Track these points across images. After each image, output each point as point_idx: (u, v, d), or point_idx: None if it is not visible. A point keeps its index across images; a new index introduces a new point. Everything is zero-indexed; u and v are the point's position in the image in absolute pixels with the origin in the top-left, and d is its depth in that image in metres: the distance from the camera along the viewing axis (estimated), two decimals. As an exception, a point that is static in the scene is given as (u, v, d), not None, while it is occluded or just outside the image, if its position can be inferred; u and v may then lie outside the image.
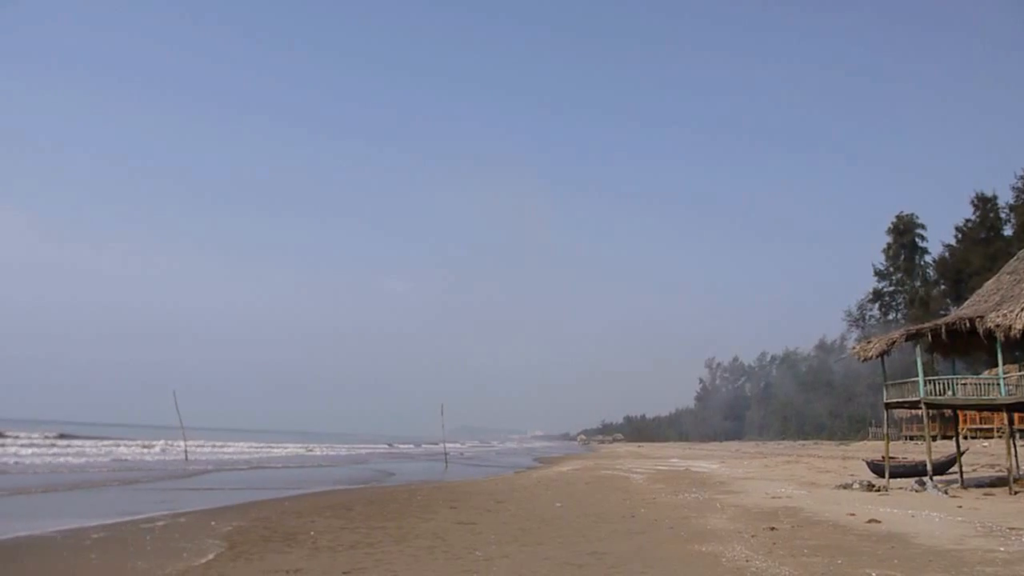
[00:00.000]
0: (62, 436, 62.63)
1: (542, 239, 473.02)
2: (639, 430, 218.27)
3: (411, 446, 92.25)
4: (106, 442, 60.07)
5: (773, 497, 20.95)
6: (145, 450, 53.61)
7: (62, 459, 39.84)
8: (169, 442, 52.82)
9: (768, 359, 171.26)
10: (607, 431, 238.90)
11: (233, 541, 13.08)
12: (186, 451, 48.57)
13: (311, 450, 68.86)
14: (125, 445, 57.17)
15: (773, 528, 14.14)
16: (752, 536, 13.18)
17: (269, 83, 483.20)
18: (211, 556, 11.55)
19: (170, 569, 10.45)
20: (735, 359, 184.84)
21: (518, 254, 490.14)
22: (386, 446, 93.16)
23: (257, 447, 67.95)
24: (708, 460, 52.40)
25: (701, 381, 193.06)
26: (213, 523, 15.44)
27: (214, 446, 63.57)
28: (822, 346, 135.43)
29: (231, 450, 61.43)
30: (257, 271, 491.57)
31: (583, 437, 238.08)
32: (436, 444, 56.18)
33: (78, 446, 53.26)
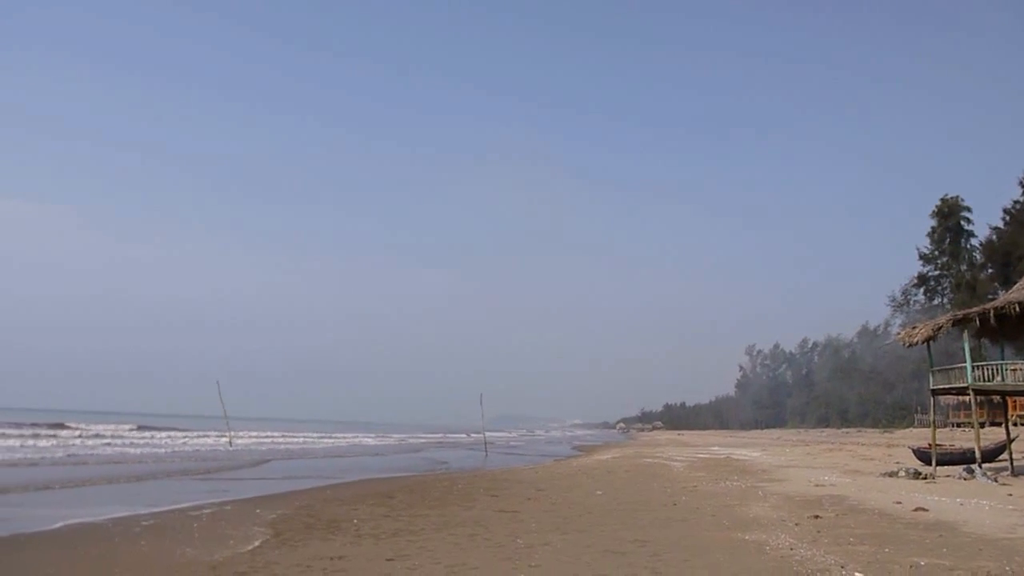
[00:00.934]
0: (140, 427, 64.37)
1: (577, 229, 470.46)
2: (679, 418, 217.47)
3: (463, 435, 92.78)
4: (160, 434, 61.21)
5: (817, 485, 20.72)
6: (197, 440, 54.51)
7: (117, 449, 40.69)
8: (222, 433, 53.53)
9: (810, 346, 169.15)
10: (646, 419, 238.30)
11: (278, 529, 13.27)
12: (231, 440, 49.37)
13: (360, 440, 69.58)
14: (171, 436, 58.16)
15: (817, 516, 13.98)
16: (796, 524, 13.05)
17: (310, 82, 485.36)
18: (256, 543, 11.72)
19: (217, 556, 10.63)
20: (776, 346, 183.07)
21: (557, 244, 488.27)
22: (440, 435, 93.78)
23: (310, 436, 68.51)
24: (749, 448, 52.00)
25: (741, 368, 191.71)
26: (258, 511, 15.67)
27: (258, 436, 64.39)
28: (865, 332, 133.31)
29: (275, 440, 62.13)
30: (298, 262, 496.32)
31: (622, 425, 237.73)
32: (481, 433, 56.37)
33: (147, 437, 54.35)
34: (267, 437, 63.65)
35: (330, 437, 72.10)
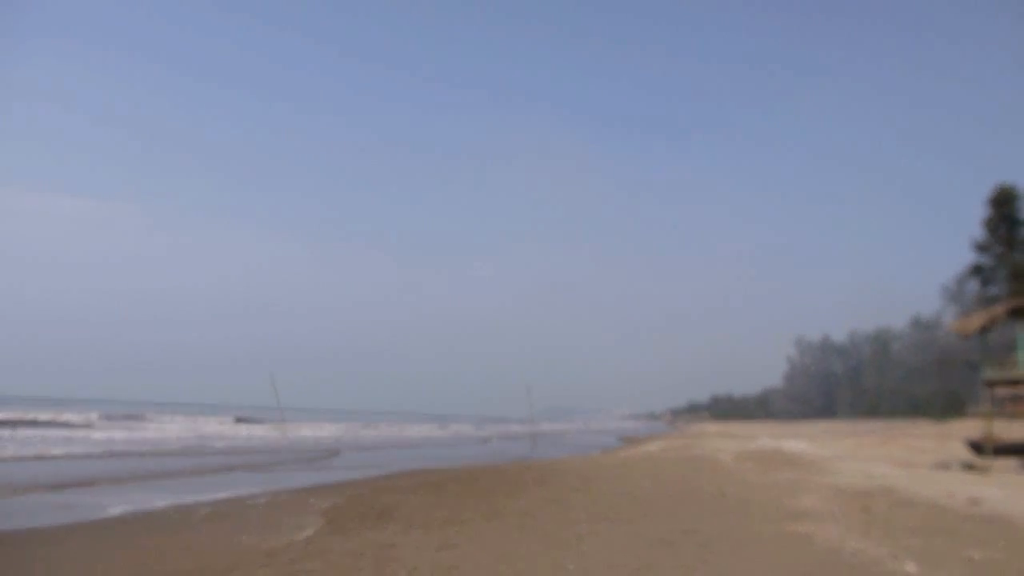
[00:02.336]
0: (240, 420, 66.01)
1: (620, 220, 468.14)
2: (726, 409, 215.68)
3: (511, 426, 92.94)
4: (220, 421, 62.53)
5: (867, 477, 20.47)
6: (258, 431, 55.58)
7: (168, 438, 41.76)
8: (278, 424, 54.42)
9: (860, 337, 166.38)
10: (693, 410, 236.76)
11: (331, 517, 13.57)
12: (285, 432, 50.25)
13: (408, 431, 70.31)
14: (229, 425, 59.46)
15: (868, 508, 13.86)
16: (846, 516, 12.97)
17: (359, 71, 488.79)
18: (311, 531, 12.02)
19: (274, 543, 10.93)
20: (825, 337, 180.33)
21: (600, 232, 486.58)
22: (487, 426, 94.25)
23: (362, 427, 69.43)
24: (798, 439, 51.40)
25: (789, 360, 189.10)
26: (311, 501, 16.02)
27: (311, 427, 65.38)
28: (917, 323, 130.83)
29: (330, 431, 63.00)
30: (342, 252, 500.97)
31: (669, 416, 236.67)
32: (529, 423, 56.65)
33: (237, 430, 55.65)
34: (321, 429, 64.71)
35: (376, 428, 72.99)
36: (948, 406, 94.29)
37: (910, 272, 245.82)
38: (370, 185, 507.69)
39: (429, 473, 24.24)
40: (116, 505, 15.18)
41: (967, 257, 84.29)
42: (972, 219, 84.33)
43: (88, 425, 49.47)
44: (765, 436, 61.21)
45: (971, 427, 50.63)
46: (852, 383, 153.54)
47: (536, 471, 24.56)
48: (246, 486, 19.50)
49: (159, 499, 16.21)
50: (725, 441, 51.44)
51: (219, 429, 55.79)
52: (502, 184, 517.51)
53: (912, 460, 26.96)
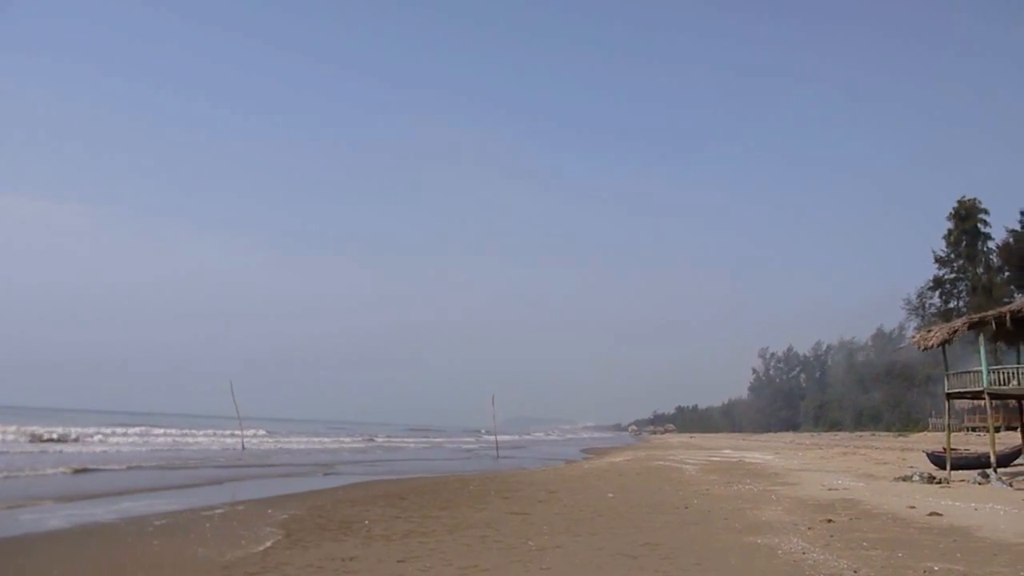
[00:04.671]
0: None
1: (588, 231, 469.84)
2: (691, 420, 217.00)
3: (474, 436, 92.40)
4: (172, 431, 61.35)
5: (830, 489, 20.61)
6: (210, 440, 54.61)
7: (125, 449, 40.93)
8: (235, 432, 53.39)
9: (824, 349, 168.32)
10: (659, 421, 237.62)
11: (289, 529, 13.32)
12: (243, 441, 49.46)
13: (373, 440, 69.69)
14: (191, 435, 58.35)
15: (830, 520, 13.91)
16: (808, 528, 12.99)
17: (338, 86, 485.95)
18: (268, 544, 11.78)
19: (229, 556, 10.68)
20: (789, 349, 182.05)
21: (567, 245, 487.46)
22: (451, 437, 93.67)
23: (319, 439, 68.58)
24: (762, 451, 51.79)
25: (755, 371, 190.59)
26: (270, 511, 15.73)
27: (277, 438, 64.44)
28: (880, 335, 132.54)
29: (290, 441, 62.24)
30: (308, 259, 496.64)
31: (635, 428, 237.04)
32: (492, 434, 56.36)
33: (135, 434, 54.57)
34: (276, 438, 63.89)
35: (339, 438, 72.22)
36: (910, 419, 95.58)
37: (876, 285, 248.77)
38: (338, 192, 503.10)
39: (391, 484, 23.98)
40: (59, 519, 14.78)
41: (931, 270, 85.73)
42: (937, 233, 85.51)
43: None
44: (729, 448, 61.63)
45: (932, 440, 51.40)
46: (816, 395, 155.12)
47: (500, 483, 24.42)
48: (203, 497, 19.13)
49: (108, 512, 15.82)
50: (690, 452, 51.66)
51: (175, 439, 54.68)
52: (472, 192, 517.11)
53: (874, 472, 27.22)
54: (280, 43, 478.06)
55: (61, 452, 35.57)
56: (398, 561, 10.21)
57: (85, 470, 25.98)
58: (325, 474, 28.45)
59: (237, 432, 50.48)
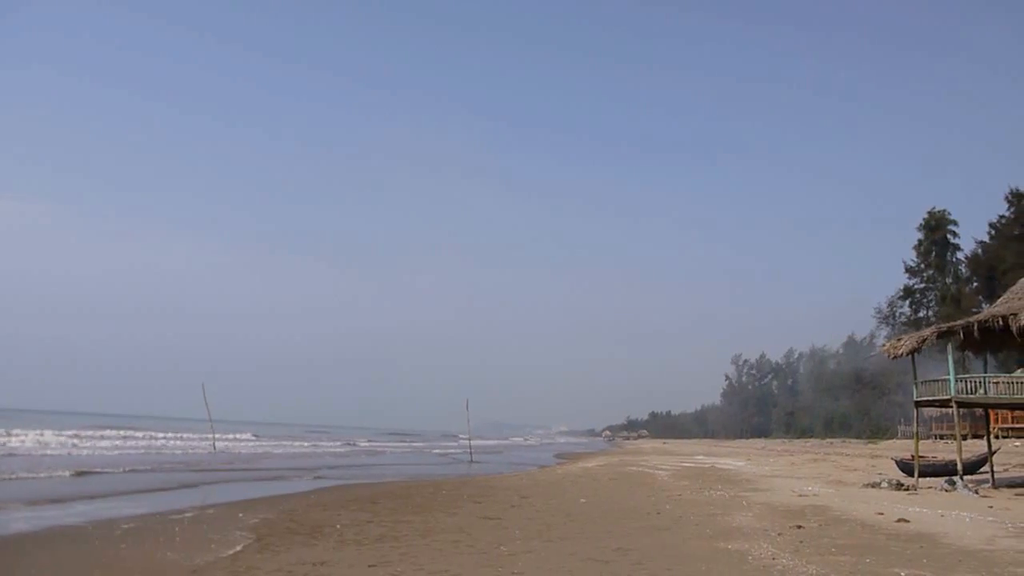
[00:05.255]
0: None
1: (568, 238, 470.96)
2: (664, 426, 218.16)
3: (449, 441, 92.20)
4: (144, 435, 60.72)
5: (800, 495, 20.80)
6: (178, 443, 54.12)
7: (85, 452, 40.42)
8: (206, 436, 52.94)
9: (795, 356, 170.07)
10: (632, 427, 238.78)
11: (260, 533, 13.22)
12: (214, 444, 49.08)
13: (353, 444, 69.46)
14: (160, 438, 57.77)
15: (800, 526, 14.03)
16: (778, 534, 13.10)
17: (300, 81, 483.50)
18: (239, 548, 11.68)
19: (199, 560, 10.58)
20: (762, 356, 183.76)
21: (539, 249, 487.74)
22: (424, 441, 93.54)
23: (297, 443, 68.19)
24: (734, 457, 52.15)
25: (727, 378, 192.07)
26: (241, 515, 15.60)
27: (242, 439, 64.02)
28: (851, 343, 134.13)
29: (264, 444, 61.79)
30: (278, 263, 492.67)
31: (608, 433, 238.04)
32: (466, 439, 56.24)
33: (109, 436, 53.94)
34: (251, 441, 63.44)
35: (312, 441, 71.92)
36: (880, 426, 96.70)
37: (848, 293, 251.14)
38: (305, 193, 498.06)
39: (364, 488, 23.87)
40: (22, 522, 14.58)
41: (902, 280, 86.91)
42: (908, 243, 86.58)
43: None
44: (701, 454, 62.00)
45: (901, 447, 52.03)
46: (788, 402, 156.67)
47: (473, 487, 24.39)
48: (173, 500, 18.93)
49: (73, 515, 15.62)
50: (662, 458, 51.91)
51: (145, 443, 54.14)
52: (441, 195, 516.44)
53: (844, 479, 27.50)
54: (246, 43, 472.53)
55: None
56: (369, 566, 10.17)
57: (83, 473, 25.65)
58: (315, 477, 28.23)
59: (209, 435, 50.11)
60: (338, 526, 14.16)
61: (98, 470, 27.76)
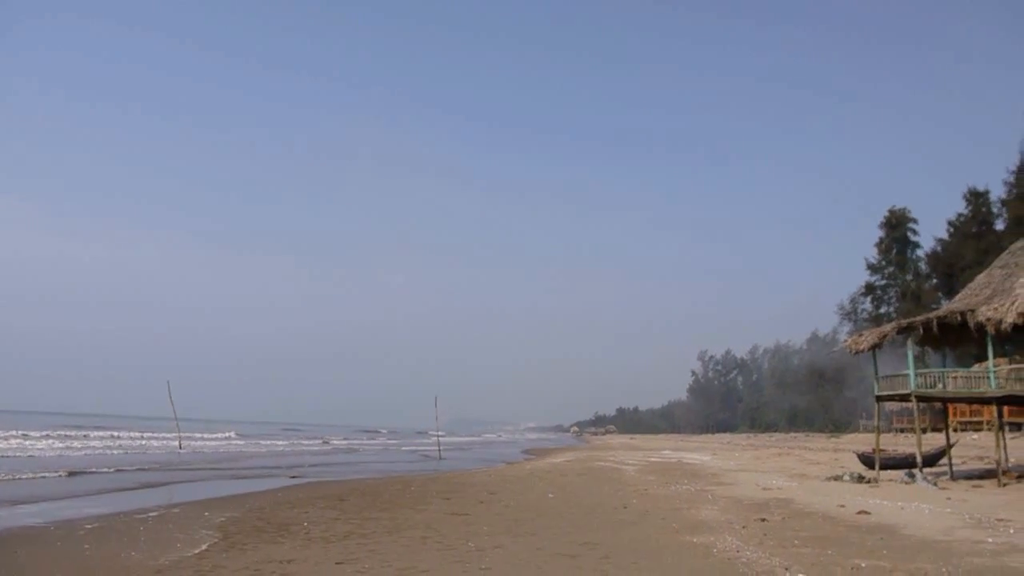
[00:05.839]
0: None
1: (533, 235, 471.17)
2: (632, 422, 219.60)
3: (417, 438, 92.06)
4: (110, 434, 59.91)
5: (764, 489, 21.07)
6: (145, 441, 53.43)
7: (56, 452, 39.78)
8: (173, 435, 52.31)
9: (760, 352, 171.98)
10: (600, 423, 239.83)
11: (227, 532, 13.12)
12: (180, 442, 48.50)
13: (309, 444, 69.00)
14: (128, 437, 57.03)
15: (764, 519, 14.24)
16: (743, 527, 13.28)
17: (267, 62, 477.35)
18: (204, 547, 11.58)
19: (163, 560, 10.47)
20: (727, 352, 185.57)
21: (511, 248, 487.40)
22: (393, 438, 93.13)
23: (269, 442, 67.68)
24: (700, 452, 52.63)
25: (694, 374, 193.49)
26: (207, 514, 15.46)
27: (209, 438, 63.35)
28: (814, 339, 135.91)
29: (230, 442, 61.17)
30: (250, 261, 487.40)
31: (576, 429, 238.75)
32: (435, 436, 56.10)
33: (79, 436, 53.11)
34: (218, 439, 62.80)
35: (279, 439, 71.42)
36: (842, 420, 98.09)
37: (811, 290, 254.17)
38: (275, 192, 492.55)
39: (331, 485, 23.76)
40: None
41: (864, 277, 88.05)
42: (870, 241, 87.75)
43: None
44: (668, 449, 62.49)
45: (863, 441, 52.86)
46: (753, 397, 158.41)
47: (441, 483, 24.38)
48: (137, 500, 18.71)
49: (33, 516, 15.38)
50: (630, 453, 52.23)
51: (107, 442, 53.37)
52: (414, 194, 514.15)
53: (807, 472, 27.90)
54: (207, 44, 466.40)
55: None
56: (336, 563, 10.15)
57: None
58: (291, 476, 27.98)
59: (174, 434, 49.52)
60: (306, 524, 14.09)
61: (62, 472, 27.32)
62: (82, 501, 18.32)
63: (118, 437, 56.60)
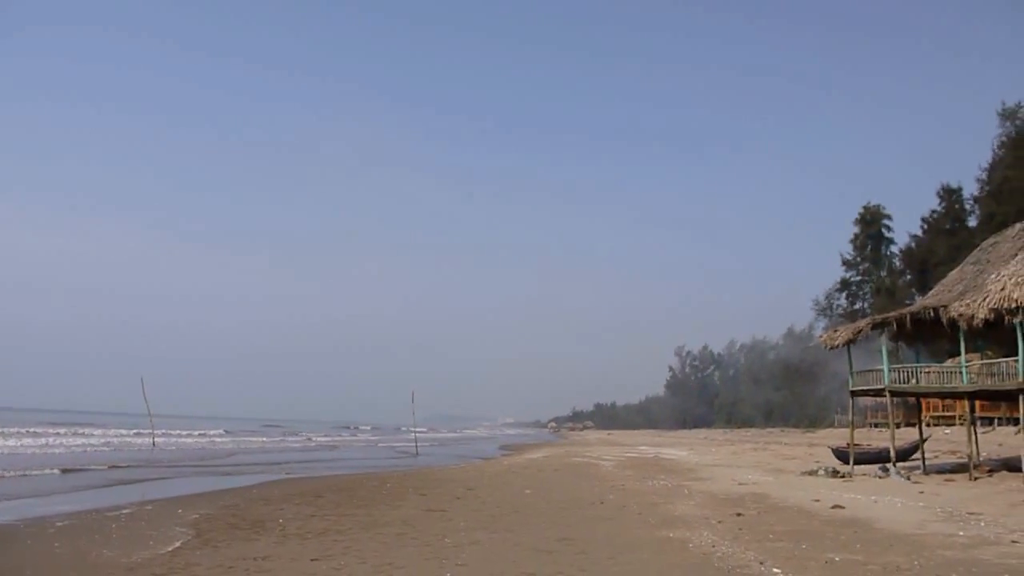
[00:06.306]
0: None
1: (508, 228, 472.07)
2: (609, 417, 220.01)
3: (395, 434, 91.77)
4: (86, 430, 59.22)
5: (740, 483, 21.20)
6: (123, 439, 52.86)
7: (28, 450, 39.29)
8: (148, 432, 51.71)
9: (737, 347, 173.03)
10: (577, 418, 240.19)
11: (200, 529, 12.99)
12: (153, 439, 48.05)
13: (282, 441, 68.65)
14: (99, 434, 56.37)
15: (739, 514, 14.32)
16: (719, 522, 13.35)
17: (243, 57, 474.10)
18: (177, 544, 11.46)
19: (135, 557, 10.35)
20: (704, 347, 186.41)
21: (484, 242, 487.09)
22: (371, 434, 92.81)
23: (233, 437, 67.32)
24: (677, 447, 52.88)
25: (671, 369, 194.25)
26: (180, 511, 15.31)
27: (185, 434, 62.85)
28: (791, 335, 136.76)
29: (200, 440, 60.73)
30: (223, 253, 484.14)
31: (553, 424, 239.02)
32: (412, 431, 55.97)
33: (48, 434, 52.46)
34: (192, 436, 62.36)
35: (255, 436, 71.03)
36: (818, 416, 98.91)
37: (789, 285, 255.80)
38: (241, 185, 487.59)
39: (307, 482, 23.63)
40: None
41: (839, 273, 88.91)
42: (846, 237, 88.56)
43: None
44: (645, 444, 62.74)
45: (838, 435, 53.31)
46: (730, 392, 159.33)
47: (418, 480, 24.32)
48: (110, 497, 18.50)
49: (3, 513, 15.16)
50: (607, 449, 52.39)
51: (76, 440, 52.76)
52: (392, 190, 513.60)
53: (782, 467, 28.13)
54: (183, 42, 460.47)
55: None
56: (312, 560, 10.08)
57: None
58: (286, 472, 27.79)
59: (151, 431, 49.04)
60: (281, 520, 13.99)
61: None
62: (53, 499, 18.10)
63: (89, 434, 55.92)
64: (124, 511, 15.33)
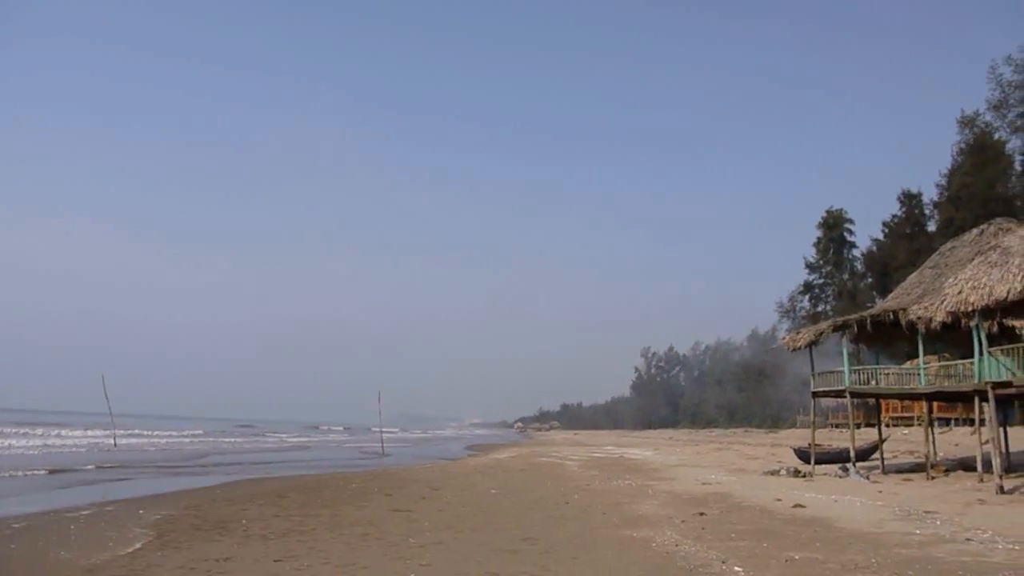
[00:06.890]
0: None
1: (476, 228, 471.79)
2: (576, 418, 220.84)
3: (360, 433, 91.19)
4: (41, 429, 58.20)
5: (703, 483, 21.41)
6: (76, 438, 52.01)
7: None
8: (111, 431, 50.82)
9: (702, 349, 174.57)
10: (544, 419, 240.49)
11: (161, 530, 12.83)
12: (115, 438, 47.28)
13: (248, 441, 67.95)
14: (58, 435, 55.42)
15: (702, 513, 14.47)
16: (682, 521, 13.48)
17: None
18: (138, 545, 11.32)
19: (95, 559, 10.21)
20: (670, 348, 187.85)
21: (452, 243, 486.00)
22: (334, 434, 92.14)
23: (202, 437, 66.46)
24: (642, 448, 53.21)
25: (637, 370, 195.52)
26: (141, 512, 15.11)
27: (145, 434, 61.98)
28: (754, 336, 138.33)
29: (161, 439, 59.92)
30: (193, 253, 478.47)
31: (520, 425, 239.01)
32: (378, 431, 55.62)
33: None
34: (155, 436, 61.54)
35: (220, 436, 70.25)
36: (780, 416, 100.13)
37: (753, 288, 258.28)
38: (204, 184, 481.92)
39: (271, 482, 23.42)
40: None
41: (803, 276, 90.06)
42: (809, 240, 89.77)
43: None
44: (611, 444, 63.06)
45: (799, 436, 54.01)
46: (695, 393, 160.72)
47: (383, 480, 24.23)
48: (69, 498, 18.19)
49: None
50: (573, 449, 52.57)
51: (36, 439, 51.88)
52: (356, 188, 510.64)
53: (745, 467, 28.45)
54: (137, 44, 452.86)
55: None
56: (275, 560, 10.01)
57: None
58: (261, 472, 27.47)
59: (112, 431, 48.24)
60: (244, 521, 13.87)
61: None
62: (11, 500, 17.76)
63: (43, 435, 54.93)
64: (84, 512, 15.09)
